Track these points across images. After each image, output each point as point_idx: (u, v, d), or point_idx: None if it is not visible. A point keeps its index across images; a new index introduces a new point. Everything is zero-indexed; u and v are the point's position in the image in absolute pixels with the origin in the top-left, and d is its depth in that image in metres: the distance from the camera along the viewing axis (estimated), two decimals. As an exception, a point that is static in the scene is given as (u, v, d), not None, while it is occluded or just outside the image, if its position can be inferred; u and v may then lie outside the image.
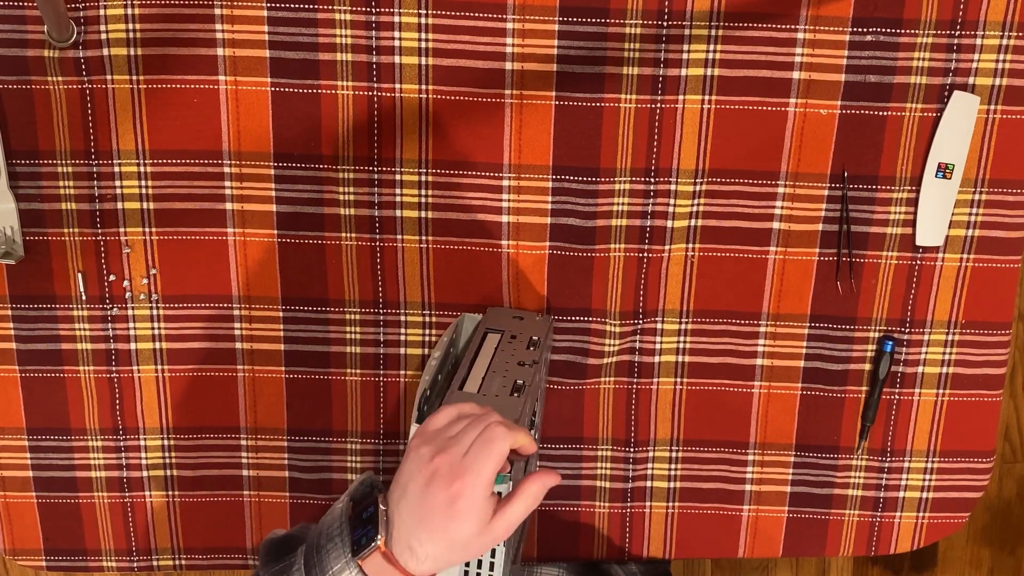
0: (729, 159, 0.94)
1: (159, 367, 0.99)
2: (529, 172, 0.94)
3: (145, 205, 0.94)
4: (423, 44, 0.91)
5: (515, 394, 0.83)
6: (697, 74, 0.92)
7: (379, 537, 0.69)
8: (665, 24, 0.91)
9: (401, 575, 0.70)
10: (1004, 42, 0.92)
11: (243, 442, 1.02)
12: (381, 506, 0.71)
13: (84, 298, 0.97)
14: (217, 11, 0.90)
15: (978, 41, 0.91)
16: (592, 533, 1.05)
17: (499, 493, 0.72)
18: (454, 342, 0.94)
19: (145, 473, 1.02)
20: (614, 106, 0.93)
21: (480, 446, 0.69)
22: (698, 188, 0.95)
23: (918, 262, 0.98)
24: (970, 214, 0.97)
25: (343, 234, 0.96)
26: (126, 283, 0.97)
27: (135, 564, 1.05)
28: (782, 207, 0.96)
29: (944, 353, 1.00)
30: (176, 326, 0.98)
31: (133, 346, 0.98)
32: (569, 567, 1.06)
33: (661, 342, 0.99)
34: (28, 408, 1.00)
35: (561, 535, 1.05)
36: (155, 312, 0.97)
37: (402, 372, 1.00)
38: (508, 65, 0.91)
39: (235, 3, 0.90)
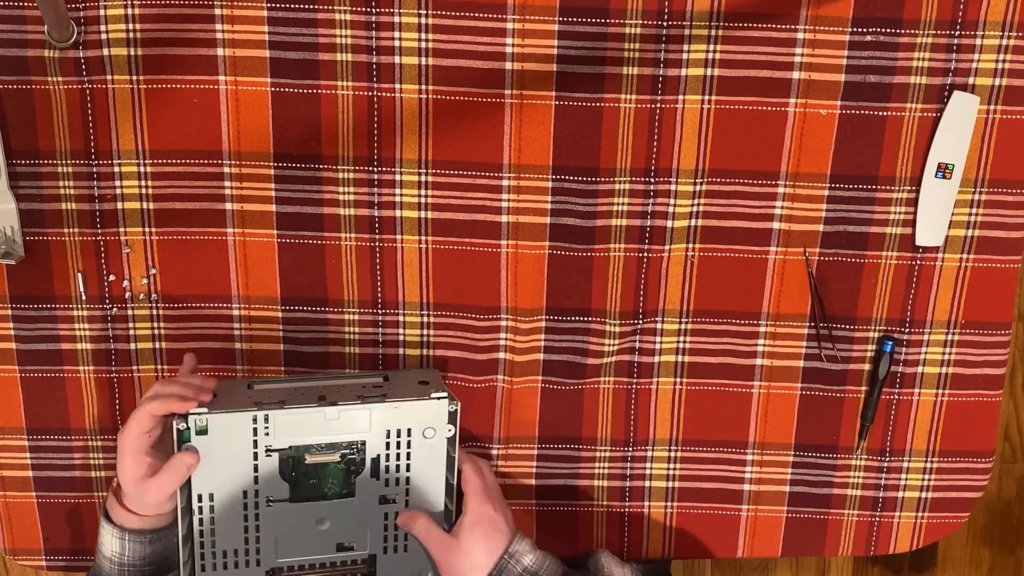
0: (729, 159, 0.94)
1: (159, 367, 0.99)
2: (529, 172, 0.94)
3: (145, 205, 0.94)
4: (423, 44, 0.91)
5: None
6: (697, 74, 0.92)
7: (110, 491, 0.88)
8: (665, 24, 0.91)
9: (120, 507, 0.86)
10: (1004, 42, 0.92)
11: (243, 442, 1.02)
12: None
13: (84, 298, 0.97)
14: (217, 11, 0.90)
15: (978, 41, 0.91)
16: (591, 533, 1.05)
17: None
18: None
19: (145, 473, 1.02)
20: (614, 106, 0.93)
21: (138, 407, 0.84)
22: (698, 188, 0.95)
23: (918, 262, 0.98)
24: (970, 214, 0.97)
25: (342, 234, 0.96)
26: (126, 283, 0.97)
27: (135, 563, 1.05)
28: (782, 207, 0.96)
29: (944, 353, 1.00)
30: (176, 326, 0.98)
31: (133, 346, 0.98)
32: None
33: (661, 342, 0.99)
34: (28, 408, 1.00)
35: (560, 535, 1.05)
36: (155, 312, 0.97)
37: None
38: (508, 65, 0.91)
39: (235, 3, 0.90)
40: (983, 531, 1.85)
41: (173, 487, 0.84)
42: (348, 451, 0.87)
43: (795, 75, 0.92)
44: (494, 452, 1.02)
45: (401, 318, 0.98)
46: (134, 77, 0.91)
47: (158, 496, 0.84)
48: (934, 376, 1.01)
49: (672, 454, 1.03)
